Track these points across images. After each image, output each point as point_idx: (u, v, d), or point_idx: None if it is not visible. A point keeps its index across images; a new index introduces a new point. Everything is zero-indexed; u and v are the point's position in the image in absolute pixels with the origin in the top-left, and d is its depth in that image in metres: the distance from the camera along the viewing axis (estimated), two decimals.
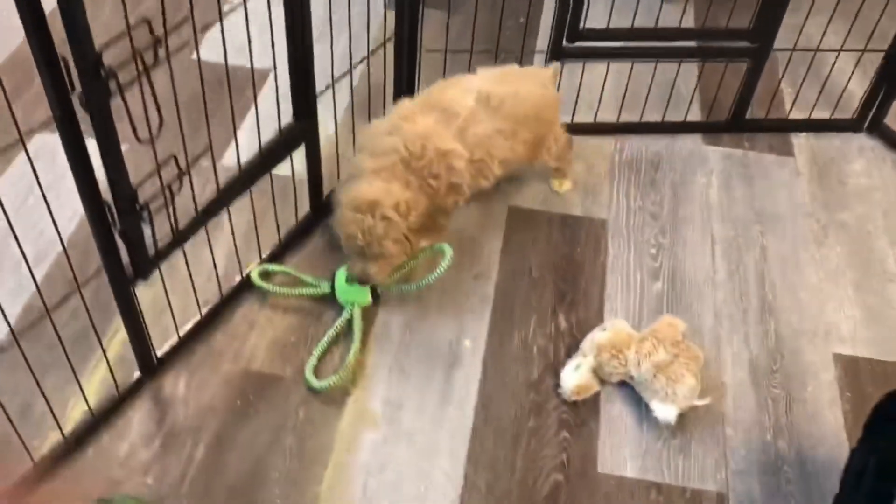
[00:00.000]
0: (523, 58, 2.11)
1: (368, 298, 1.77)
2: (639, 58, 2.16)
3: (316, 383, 1.65)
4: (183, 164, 1.41)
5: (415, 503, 1.52)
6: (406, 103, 1.82)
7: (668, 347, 1.64)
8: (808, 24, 2.11)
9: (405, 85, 1.99)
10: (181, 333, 1.70)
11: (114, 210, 1.35)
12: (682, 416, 1.66)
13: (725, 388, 1.73)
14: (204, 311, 1.74)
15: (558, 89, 2.04)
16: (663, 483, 1.59)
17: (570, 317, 1.83)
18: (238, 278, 1.80)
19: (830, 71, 2.24)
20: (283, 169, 1.74)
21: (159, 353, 1.66)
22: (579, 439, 1.64)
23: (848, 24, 2.12)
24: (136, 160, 1.36)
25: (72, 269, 1.37)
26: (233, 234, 1.72)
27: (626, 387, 1.71)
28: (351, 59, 1.82)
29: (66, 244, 1.33)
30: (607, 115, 2.24)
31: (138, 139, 1.27)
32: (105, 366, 1.56)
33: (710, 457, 1.62)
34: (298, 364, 1.70)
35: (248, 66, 1.53)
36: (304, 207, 1.93)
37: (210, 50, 1.52)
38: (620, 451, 1.63)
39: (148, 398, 1.64)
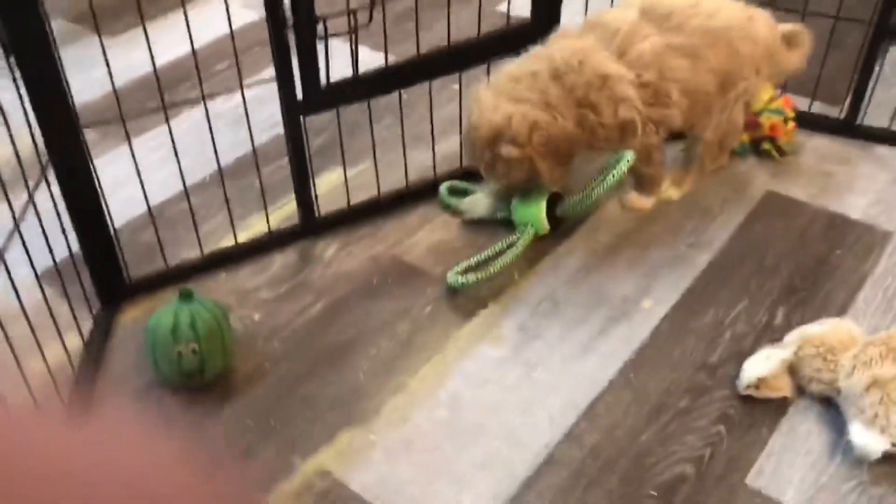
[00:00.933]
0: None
1: (544, 222, 1.54)
2: None
3: (451, 277, 1.46)
4: None
5: (498, 432, 1.25)
6: (559, 29, 1.56)
7: None
8: None
9: None
10: (352, 203, 1.63)
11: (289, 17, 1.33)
12: (891, 462, 1.17)
13: None
14: (384, 191, 1.66)
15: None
16: None
17: (793, 315, 1.42)
18: (431, 176, 1.70)
19: None
20: None
21: (324, 213, 1.61)
22: (737, 441, 1.23)
23: None
24: None
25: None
26: (431, 120, 1.63)
27: (830, 408, 1.26)
28: None
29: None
30: None
31: None
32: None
33: None
34: (450, 267, 1.53)
35: None
36: None
37: None
38: (788, 473, 1.19)
39: (295, 250, 1.59)
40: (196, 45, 1.35)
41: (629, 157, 1.47)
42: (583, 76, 1.46)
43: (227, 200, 1.50)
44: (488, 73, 1.60)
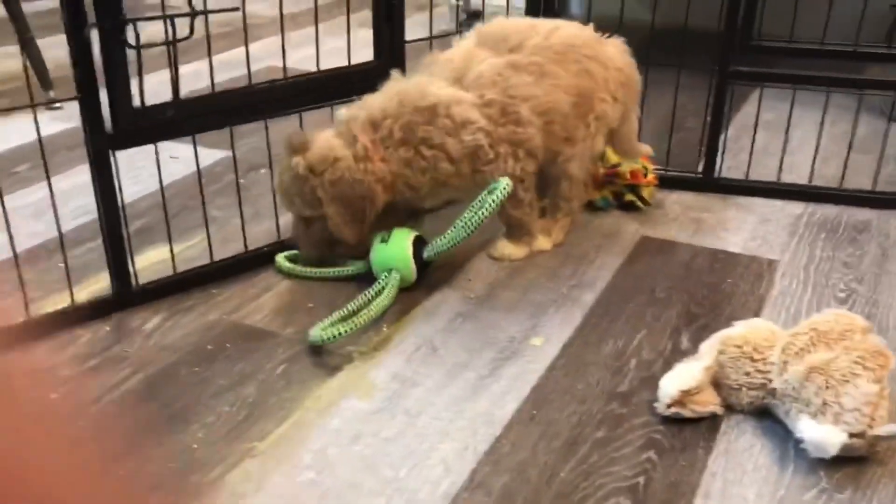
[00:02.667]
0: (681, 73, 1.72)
1: (410, 264, 1.34)
2: (837, 87, 1.68)
3: (315, 333, 1.20)
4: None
5: (381, 489, 0.97)
6: (392, 74, 1.44)
7: (834, 344, 1.02)
8: None
9: None
10: (178, 269, 1.36)
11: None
12: (856, 462, 0.99)
13: None
14: (217, 257, 1.40)
15: None
16: None
17: (698, 340, 1.24)
18: (274, 239, 1.47)
19: None
20: None
21: (143, 282, 1.33)
22: (672, 465, 1.01)
23: None
24: None
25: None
26: (274, 196, 1.42)
27: (767, 419, 1.08)
28: None
29: None
30: (792, 176, 1.74)
31: None
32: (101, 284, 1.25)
33: None
34: (304, 326, 1.27)
35: None
36: None
37: None
38: (739, 492, 0.97)
39: (108, 324, 1.28)
40: None
41: (504, 184, 1.31)
42: (403, 116, 1.33)
43: (20, 279, 1.21)
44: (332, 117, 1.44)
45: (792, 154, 1.76)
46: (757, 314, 1.32)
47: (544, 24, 1.48)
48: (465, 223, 1.31)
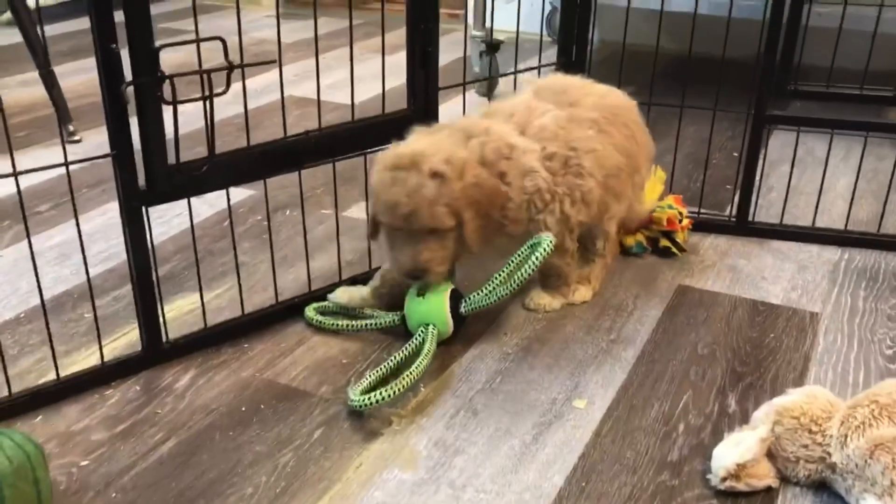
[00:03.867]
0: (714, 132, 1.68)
1: (447, 319, 1.30)
2: (875, 132, 1.65)
3: (355, 397, 1.16)
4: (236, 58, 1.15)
5: None
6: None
7: None
8: None
9: None
10: (208, 324, 1.33)
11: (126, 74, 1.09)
12: None
13: None
14: (249, 307, 1.37)
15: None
16: None
17: (746, 401, 1.22)
18: (305, 291, 1.43)
19: None
20: None
21: (173, 337, 1.29)
22: None
23: None
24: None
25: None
26: (305, 237, 1.40)
27: (825, 491, 1.04)
28: None
29: None
30: (824, 218, 1.71)
31: None
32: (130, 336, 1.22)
33: None
34: (341, 386, 1.23)
35: None
36: None
37: None
38: None
39: (138, 383, 1.24)
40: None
41: (548, 241, 1.28)
42: (492, 141, 1.29)
43: (48, 331, 1.17)
44: (365, 171, 1.41)
45: (817, 194, 1.73)
46: (803, 373, 1.28)
47: (596, 85, 1.47)
48: (508, 280, 1.28)
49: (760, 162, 1.67)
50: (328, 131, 1.34)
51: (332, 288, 1.43)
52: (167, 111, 1.12)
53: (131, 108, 1.11)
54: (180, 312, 1.40)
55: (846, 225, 1.69)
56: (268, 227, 1.42)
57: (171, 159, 1.16)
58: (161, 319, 1.27)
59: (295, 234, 1.67)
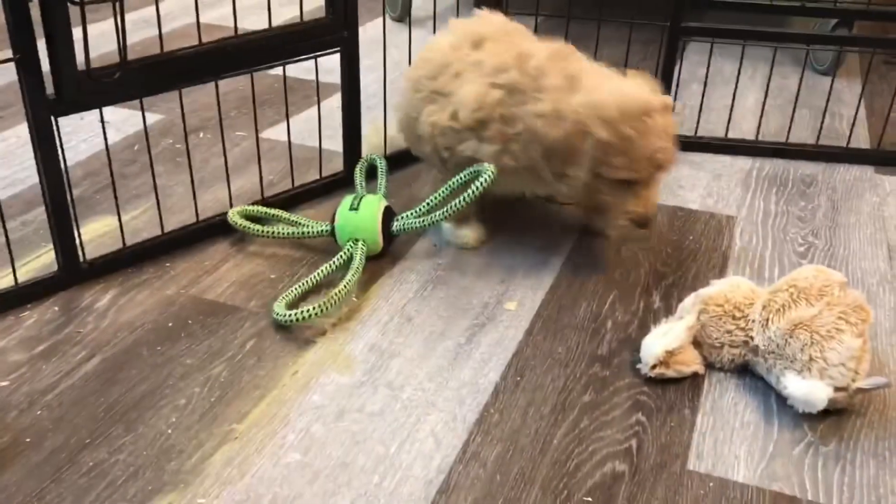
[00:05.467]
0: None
1: (378, 235, 1.29)
2: (785, 42, 1.70)
3: (283, 312, 1.15)
4: None
5: (373, 466, 0.94)
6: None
7: (815, 300, 1.04)
8: None
9: None
10: (129, 244, 1.28)
11: None
12: (837, 414, 1.01)
13: None
14: (168, 227, 1.32)
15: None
16: (805, 500, 0.91)
17: (670, 297, 1.26)
18: (227, 208, 1.39)
19: None
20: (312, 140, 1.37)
21: (90, 256, 1.24)
22: (661, 427, 1.01)
23: None
24: None
25: None
26: (225, 156, 1.35)
27: (748, 376, 1.09)
28: None
29: None
30: (738, 133, 1.77)
31: None
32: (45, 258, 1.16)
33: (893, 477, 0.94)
34: (270, 299, 1.21)
35: None
36: (335, 170, 1.54)
37: None
38: (730, 450, 0.98)
39: (56, 304, 1.19)
40: None
41: (490, 171, 1.25)
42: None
43: None
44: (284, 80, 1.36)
45: (729, 109, 1.78)
46: (722, 270, 1.33)
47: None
48: (443, 206, 1.26)
49: (675, 75, 1.70)
50: (245, 38, 1.29)
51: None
52: (74, 12, 1.06)
53: (35, 8, 1.04)
54: (96, 235, 1.35)
55: (757, 136, 1.75)
56: (186, 149, 1.36)
57: (81, 65, 1.10)
58: (77, 239, 1.21)
59: (210, 157, 1.62)
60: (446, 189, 1.32)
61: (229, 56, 1.28)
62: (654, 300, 1.25)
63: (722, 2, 1.65)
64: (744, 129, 1.81)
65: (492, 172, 1.26)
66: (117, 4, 1.09)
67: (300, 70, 1.65)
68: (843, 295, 1.03)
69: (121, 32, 1.11)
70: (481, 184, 1.25)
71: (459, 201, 1.25)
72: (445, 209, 1.26)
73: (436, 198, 1.32)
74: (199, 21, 1.25)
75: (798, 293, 1.05)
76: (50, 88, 1.10)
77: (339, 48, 1.42)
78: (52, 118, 1.11)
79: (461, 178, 1.31)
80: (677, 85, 1.73)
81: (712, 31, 1.67)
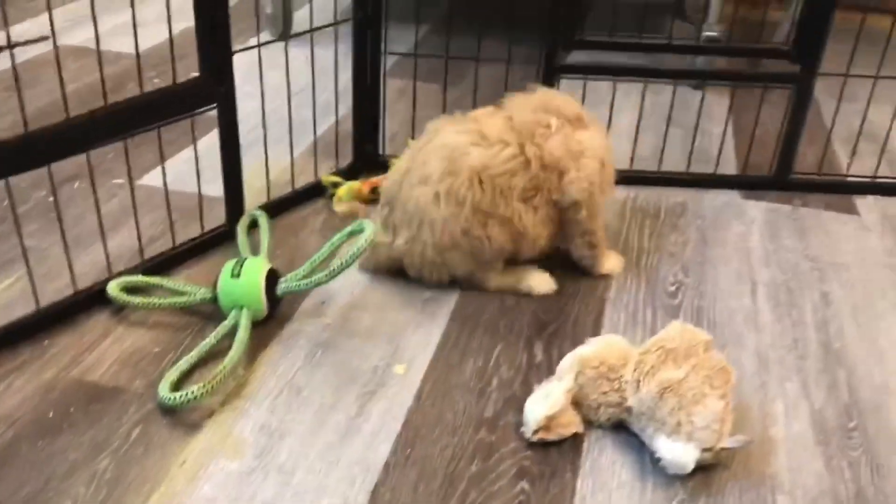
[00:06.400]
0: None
1: (262, 302, 1.29)
2: (653, 77, 1.78)
3: (168, 395, 1.14)
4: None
5: None
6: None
7: (682, 361, 1.11)
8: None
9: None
10: (1, 320, 1.24)
11: None
12: (705, 470, 1.08)
13: (775, 444, 1.15)
14: (43, 303, 1.29)
15: None
16: None
17: (551, 349, 1.31)
18: (105, 276, 1.36)
19: (892, 126, 1.82)
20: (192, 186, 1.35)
21: None
22: (544, 494, 1.06)
23: None
24: None
25: None
26: (98, 212, 1.32)
27: (624, 432, 1.16)
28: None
29: None
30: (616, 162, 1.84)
31: None
32: None
33: None
34: (154, 379, 1.20)
35: None
36: (217, 220, 1.52)
37: None
38: None
39: None
40: None
41: (371, 230, 1.27)
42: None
43: None
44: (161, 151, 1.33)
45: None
46: (599, 316, 1.39)
47: None
48: (329, 270, 1.27)
49: None
50: (116, 108, 1.25)
51: (134, 271, 1.38)
52: None
53: None
54: None
55: (631, 164, 1.83)
56: (55, 205, 1.32)
57: None
58: None
59: (86, 211, 1.57)
60: (329, 247, 1.33)
61: (99, 126, 1.24)
62: (537, 353, 1.30)
63: (594, 42, 1.70)
64: (618, 153, 1.88)
65: (372, 231, 1.28)
66: None
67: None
68: (707, 357, 1.10)
69: None
70: (364, 244, 1.26)
71: (345, 262, 1.26)
72: (329, 271, 1.27)
73: (318, 257, 1.34)
74: (64, 94, 1.21)
75: (666, 354, 1.11)
76: None
77: (215, 104, 1.40)
78: None
79: (342, 236, 1.32)
80: None
81: (585, 69, 1.73)
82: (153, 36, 1.82)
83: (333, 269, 1.26)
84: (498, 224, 1.36)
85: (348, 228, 1.32)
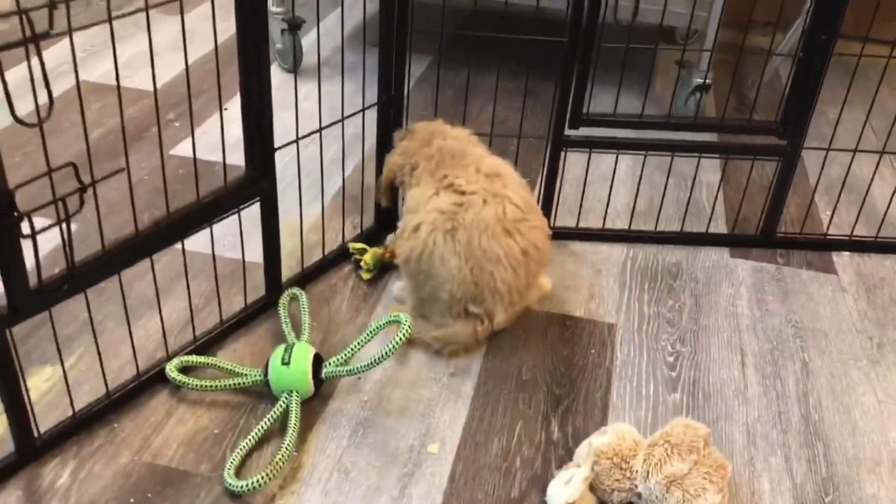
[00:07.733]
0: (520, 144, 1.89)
1: (310, 386, 1.44)
2: (652, 150, 1.93)
3: (235, 483, 1.29)
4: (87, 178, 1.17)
5: None
6: None
7: (685, 455, 1.28)
8: (842, 130, 1.89)
9: None
10: (76, 410, 1.38)
11: None
12: None
13: None
14: (112, 387, 1.42)
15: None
16: None
17: (566, 426, 1.48)
18: (161, 356, 1.50)
19: (872, 181, 1.99)
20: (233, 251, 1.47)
21: (44, 430, 1.34)
22: None
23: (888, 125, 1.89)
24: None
25: None
26: (157, 297, 1.45)
27: None
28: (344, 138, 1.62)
29: None
30: (617, 222, 1.99)
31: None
32: None
33: None
34: (218, 461, 1.35)
35: None
36: (258, 291, 1.66)
37: None
38: None
39: (19, 485, 1.29)
40: None
41: (408, 322, 1.42)
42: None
43: None
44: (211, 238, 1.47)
45: (606, 200, 2.00)
46: (607, 389, 1.56)
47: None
48: (369, 360, 1.41)
49: (558, 180, 1.90)
50: (176, 216, 1.38)
51: (185, 346, 1.51)
52: (25, 242, 1.14)
53: None
54: (40, 394, 1.43)
55: (630, 224, 1.98)
56: (121, 293, 1.44)
57: (34, 282, 1.18)
58: (29, 410, 1.30)
59: (132, 278, 1.69)
60: (368, 335, 1.48)
61: (162, 233, 1.37)
62: (553, 430, 1.47)
63: (598, 119, 1.84)
64: (617, 205, 2.03)
65: (409, 323, 1.43)
66: (64, 224, 1.17)
67: (205, 149, 1.76)
68: (707, 454, 1.27)
69: (69, 248, 1.19)
70: (402, 337, 1.41)
71: (385, 353, 1.41)
72: (369, 362, 1.42)
73: (358, 344, 1.48)
74: (134, 207, 1.33)
75: (671, 449, 1.29)
76: (5, 309, 1.18)
77: (258, 198, 1.53)
78: (7, 330, 1.19)
79: (380, 325, 1.47)
80: (559, 186, 1.92)
81: (590, 143, 1.87)
82: (168, 67, 1.91)
83: (374, 360, 1.41)
84: None
85: (385, 318, 1.47)
